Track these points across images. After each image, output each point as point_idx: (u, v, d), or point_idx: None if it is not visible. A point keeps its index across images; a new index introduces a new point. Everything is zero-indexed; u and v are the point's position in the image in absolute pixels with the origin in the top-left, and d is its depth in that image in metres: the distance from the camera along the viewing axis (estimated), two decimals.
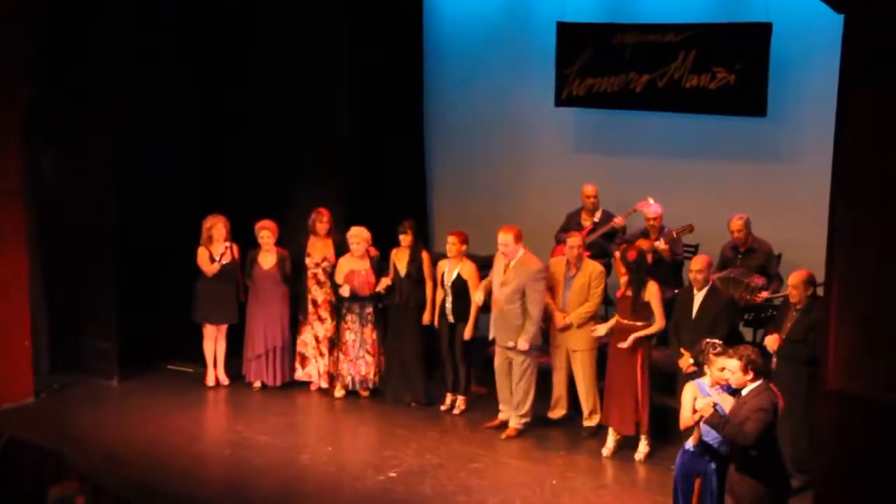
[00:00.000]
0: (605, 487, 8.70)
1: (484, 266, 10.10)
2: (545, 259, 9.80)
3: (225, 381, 10.74)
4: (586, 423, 9.51)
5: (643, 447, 9.06)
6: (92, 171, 10.56)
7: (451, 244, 9.81)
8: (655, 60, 11.12)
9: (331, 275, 10.34)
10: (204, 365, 10.77)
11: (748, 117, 10.89)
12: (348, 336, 10.30)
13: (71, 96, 10.45)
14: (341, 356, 10.37)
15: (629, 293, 9.00)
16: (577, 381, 9.44)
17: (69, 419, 9.85)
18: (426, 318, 10.06)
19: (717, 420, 6.78)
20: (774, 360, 8.44)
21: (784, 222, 10.63)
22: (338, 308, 10.36)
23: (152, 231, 10.86)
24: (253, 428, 9.75)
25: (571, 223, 10.88)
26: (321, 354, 10.52)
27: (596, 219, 10.81)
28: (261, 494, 8.51)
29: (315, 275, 10.43)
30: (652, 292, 8.95)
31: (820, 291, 8.90)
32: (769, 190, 10.99)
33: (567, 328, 9.36)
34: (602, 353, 9.41)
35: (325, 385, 10.52)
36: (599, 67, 11.42)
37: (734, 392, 6.97)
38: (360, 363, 10.33)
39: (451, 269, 9.88)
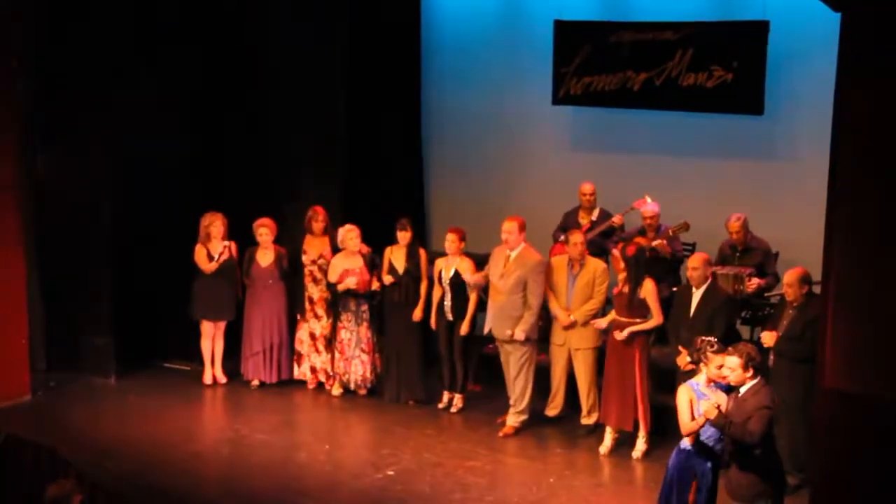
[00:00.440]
0: (603, 485, 8.71)
1: (481, 264, 10.11)
2: (543, 256, 9.81)
3: (222, 379, 10.74)
4: (584, 421, 9.52)
5: (641, 445, 9.07)
6: (89, 169, 10.57)
7: (451, 241, 9.81)
8: (653, 59, 11.13)
9: (327, 273, 10.34)
10: (201, 363, 10.77)
11: (745, 115, 10.91)
12: (344, 335, 10.30)
13: (67, 94, 10.46)
14: (337, 355, 10.37)
15: (626, 290, 9.01)
16: (579, 380, 9.45)
17: (66, 417, 9.85)
18: (418, 315, 10.05)
19: (722, 422, 6.79)
20: (772, 357, 8.45)
21: (781, 220, 10.64)
22: (334, 306, 10.36)
23: (149, 228, 10.86)
24: (250, 426, 9.76)
25: (569, 222, 10.89)
26: (317, 352, 10.52)
27: (593, 217, 10.82)
28: (258, 492, 8.51)
29: (311, 272, 10.43)
30: (648, 289, 8.96)
31: (817, 289, 8.95)
32: (766, 188, 11.01)
33: (572, 326, 9.36)
34: (602, 351, 9.41)
35: (323, 380, 10.52)
36: (597, 66, 11.43)
37: (728, 390, 6.98)
38: (355, 362, 10.33)
39: (449, 267, 9.88)
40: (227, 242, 10.47)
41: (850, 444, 6.75)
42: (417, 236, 10.41)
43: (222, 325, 10.67)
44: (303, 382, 10.61)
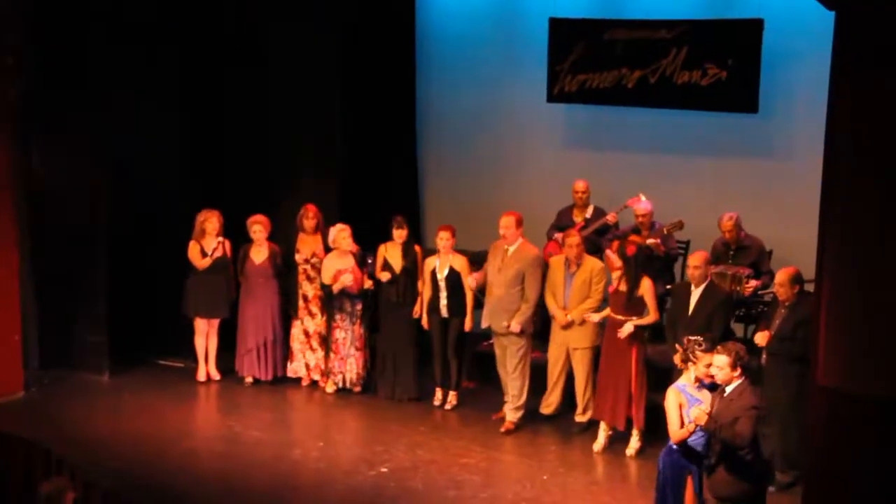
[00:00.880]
0: (597, 483, 8.72)
1: (476, 262, 10.12)
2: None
3: (216, 376, 10.73)
4: (578, 419, 9.53)
5: (634, 443, 9.08)
6: (83, 167, 10.55)
7: (445, 239, 9.81)
8: (647, 56, 11.13)
9: (320, 273, 10.34)
10: (195, 360, 10.76)
11: (739, 114, 10.91)
12: (339, 334, 10.30)
13: (63, 93, 10.42)
14: (332, 354, 10.36)
15: (624, 288, 9.02)
16: (577, 378, 9.46)
17: (60, 414, 9.83)
18: (417, 312, 10.07)
19: (712, 427, 6.81)
20: (764, 356, 8.46)
21: (775, 218, 10.65)
22: (328, 304, 10.35)
23: (143, 226, 10.85)
24: (244, 423, 9.75)
25: (563, 219, 10.89)
26: (311, 349, 10.51)
27: (587, 215, 10.82)
28: (252, 489, 8.51)
29: (305, 270, 10.43)
30: (646, 287, 8.99)
31: (810, 288, 8.96)
32: (760, 186, 11.01)
33: (569, 326, 9.37)
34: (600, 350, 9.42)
35: (317, 378, 10.51)
36: (591, 63, 11.43)
37: (712, 388, 7.03)
38: (350, 360, 10.33)
39: (442, 264, 9.89)
40: (220, 238, 10.46)
41: (844, 441, 6.76)
42: (412, 234, 10.41)
43: (216, 322, 10.66)
44: (297, 380, 10.61)
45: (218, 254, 10.45)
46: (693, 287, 8.79)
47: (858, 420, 6.66)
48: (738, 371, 6.87)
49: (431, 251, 10.25)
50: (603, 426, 9.18)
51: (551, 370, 9.59)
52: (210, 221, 10.42)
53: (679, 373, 8.14)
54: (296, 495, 8.42)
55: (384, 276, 10.09)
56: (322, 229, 10.46)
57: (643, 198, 10.40)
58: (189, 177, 11.21)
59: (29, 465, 8.83)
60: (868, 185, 6.56)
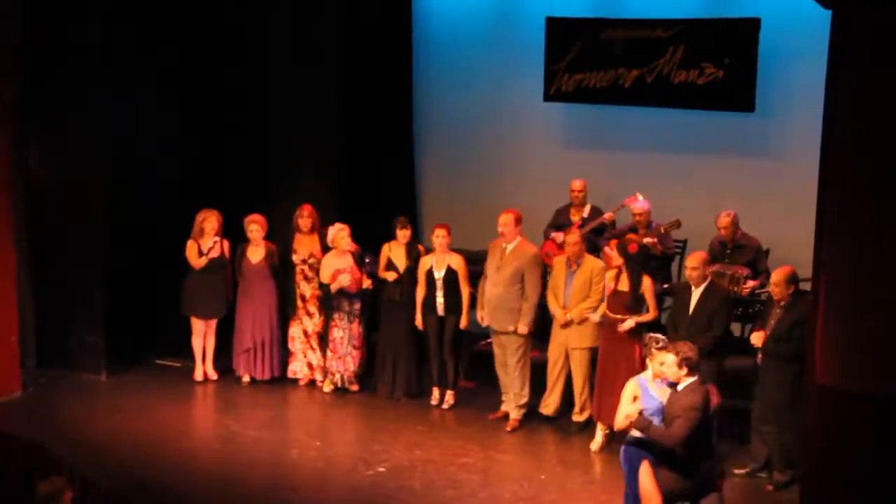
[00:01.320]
0: (594, 482, 8.72)
1: (474, 261, 10.12)
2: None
3: (213, 375, 10.72)
4: (576, 418, 9.54)
5: None
6: (81, 167, 10.54)
7: (442, 237, 9.81)
8: (644, 56, 11.15)
9: (318, 271, 10.33)
10: (192, 360, 10.76)
11: (736, 113, 10.93)
12: (336, 333, 10.30)
13: (61, 92, 10.42)
14: (329, 353, 10.36)
15: (623, 287, 9.04)
16: (574, 378, 9.46)
17: (57, 414, 9.83)
18: (419, 320, 10.06)
19: (642, 424, 7.05)
20: (759, 356, 8.48)
21: (772, 217, 10.67)
22: (326, 303, 10.35)
23: (141, 226, 10.84)
24: (242, 422, 9.75)
25: (560, 218, 10.90)
26: (312, 349, 10.52)
27: (584, 214, 10.83)
28: (250, 489, 8.51)
29: (302, 270, 10.43)
30: (646, 285, 9.03)
31: (806, 286, 8.97)
32: (757, 185, 11.03)
33: (568, 325, 9.38)
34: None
35: (319, 377, 10.51)
36: (588, 63, 11.44)
37: (673, 385, 7.17)
38: (348, 360, 10.33)
39: (439, 263, 9.89)
40: (216, 238, 10.44)
41: (841, 440, 6.77)
42: (415, 234, 10.42)
43: (213, 322, 10.65)
44: (294, 379, 10.61)
45: (214, 253, 10.44)
46: (693, 287, 8.79)
47: (856, 418, 6.67)
48: (686, 370, 7.00)
49: (432, 251, 10.25)
50: (600, 426, 9.18)
51: (551, 370, 9.60)
52: (209, 221, 10.41)
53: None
54: (294, 495, 8.41)
55: (389, 276, 10.09)
56: (318, 229, 10.46)
57: (640, 197, 10.41)
58: (187, 176, 11.20)
59: (27, 465, 8.82)
60: (865, 183, 6.57)
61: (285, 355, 10.64)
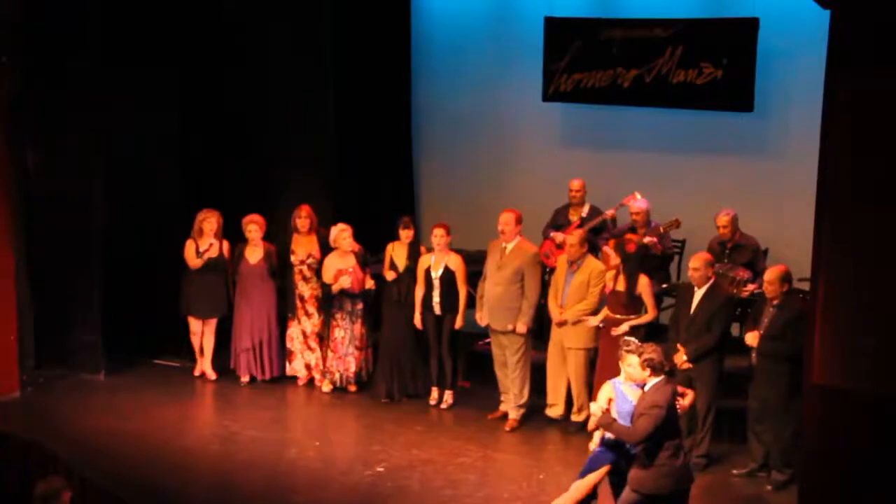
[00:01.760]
0: None
1: (473, 261, 10.13)
2: None
3: (213, 375, 10.72)
4: (574, 418, 9.54)
5: None
6: (79, 167, 10.53)
7: (441, 236, 9.80)
8: (643, 55, 11.15)
9: (317, 271, 10.33)
10: (191, 359, 10.77)
11: (735, 112, 10.93)
12: (337, 333, 10.29)
13: (59, 92, 10.41)
14: (330, 353, 10.36)
15: (621, 287, 9.04)
16: (571, 378, 9.47)
17: (55, 413, 9.82)
18: (418, 321, 10.06)
19: (605, 421, 7.15)
20: (754, 356, 8.48)
21: (771, 217, 10.68)
22: (325, 304, 10.35)
23: (139, 226, 10.85)
24: (240, 422, 9.75)
25: (559, 218, 10.90)
26: (310, 349, 10.51)
27: (583, 213, 10.83)
28: (248, 489, 8.51)
29: (301, 271, 10.42)
30: (643, 284, 9.04)
31: (801, 285, 8.99)
32: (756, 185, 11.03)
33: (563, 324, 9.38)
34: (597, 352, 9.42)
35: (317, 377, 10.51)
36: (587, 62, 11.45)
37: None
38: (348, 359, 10.33)
39: (437, 262, 9.89)
40: (213, 241, 10.43)
41: (839, 439, 6.78)
42: (418, 235, 10.42)
43: (212, 322, 10.65)
44: (293, 379, 10.61)
45: (212, 254, 10.43)
46: (696, 288, 8.79)
47: (854, 418, 6.68)
48: (649, 371, 7.04)
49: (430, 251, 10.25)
50: None
51: (551, 371, 9.60)
52: (209, 221, 10.41)
53: (679, 373, 8.29)
54: (292, 494, 8.41)
55: (390, 275, 10.09)
56: (317, 230, 10.46)
57: (639, 196, 10.41)
58: (185, 177, 11.20)
59: (25, 465, 8.83)
60: (864, 183, 6.58)
61: (284, 355, 10.64)
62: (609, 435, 7.37)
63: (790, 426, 8.32)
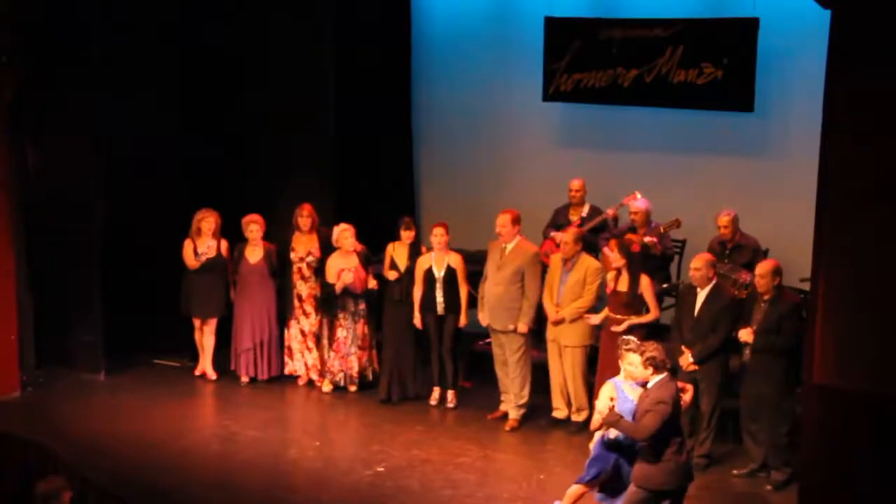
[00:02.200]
0: None
1: (473, 261, 10.12)
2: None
3: (213, 375, 10.72)
4: (574, 418, 9.54)
5: None
6: (78, 167, 10.54)
7: (441, 235, 9.80)
8: (643, 55, 11.14)
9: (316, 270, 10.33)
10: (192, 359, 10.79)
11: (735, 112, 10.93)
12: (340, 333, 10.29)
13: (59, 92, 10.41)
14: (332, 353, 10.36)
15: (623, 287, 9.04)
16: (567, 377, 9.47)
17: (56, 413, 9.83)
18: (418, 320, 10.07)
19: (612, 419, 7.10)
20: (748, 352, 8.47)
21: (771, 217, 10.67)
22: (325, 304, 10.34)
23: (139, 226, 10.85)
24: (240, 422, 9.75)
25: (559, 218, 10.90)
26: (308, 349, 10.51)
27: (583, 213, 10.82)
28: (248, 489, 8.51)
29: (300, 269, 10.42)
30: (645, 284, 9.05)
31: (802, 286, 8.99)
32: (756, 185, 11.03)
33: (560, 322, 9.38)
34: (594, 350, 9.42)
35: (314, 377, 10.51)
36: (587, 62, 11.44)
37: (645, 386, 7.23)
38: (351, 359, 10.32)
39: (439, 262, 9.88)
40: (211, 242, 10.43)
41: (839, 439, 6.78)
42: (419, 235, 10.42)
43: (211, 322, 10.65)
44: (293, 379, 10.61)
45: (210, 255, 10.43)
46: (699, 289, 8.78)
47: (854, 418, 6.68)
48: (651, 370, 7.05)
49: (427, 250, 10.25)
50: None
51: (552, 372, 9.59)
52: (206, 221, 10.41)
53: (683, 374, 8.30)
54: (291, 495, 8.42)
55: (391, 275, 10.09)
56: (318, 228, 10.46)
57: (639, 196, 10.41)
58: (185, 177, 11.19)
59: (25, 465, 8.82)
60: (864, 183, 6.58)
61: (283, 355, 10.64)
62: (610, 435, 7.37)
63: (785, 424, 8.34)
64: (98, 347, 10.64)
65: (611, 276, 9.21)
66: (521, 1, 12.06)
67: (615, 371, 8.97)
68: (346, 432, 9.88)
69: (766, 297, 8.42)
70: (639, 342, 7.28)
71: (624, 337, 7.54)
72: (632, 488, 7.14)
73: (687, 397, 7.53)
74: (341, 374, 10.36)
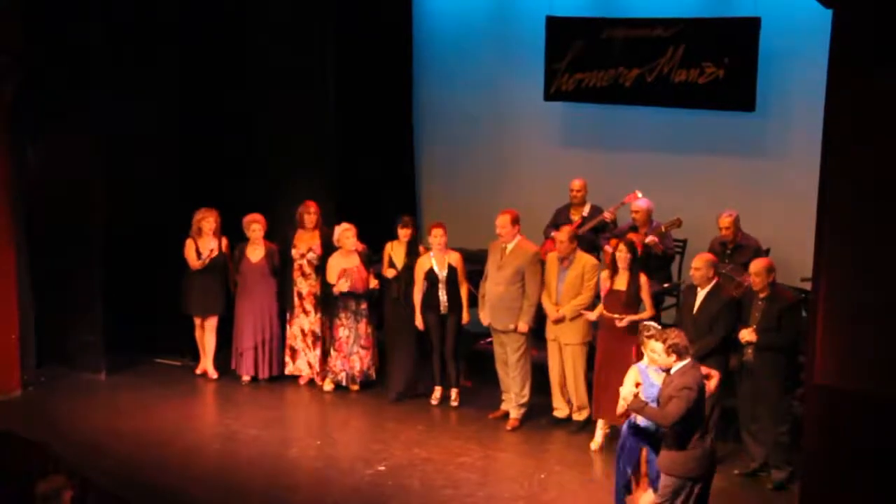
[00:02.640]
0: (594, 481, 8.72)
1: (473, 261, 10.12)
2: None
3: (214, 374, 10.73)
4: (575, 417, 9.54)
5: None
6: (79, 166, 10.53)
7: (440, 236, 9.81)
8: (644, 55, 11.14)
9: (317, 268, 10.34)
10: (193, 359, 10.79)
11: (737, 112, 10.92)
12: (342, 332, 10.29)
13: (59, 92, 10.41)
14: (333, 352, 10.36)
15: (622, 287, 9.04)
16: (568, 375, 9.48)
17: (57, 413, 9.84)
18: (419, 321, 10.07)
19: (637, 405, 7.10)
20: (749, 351, 8.46)
21: (772, 217, 10.67)
22: (325, 303, 10.35)
23: (140, 225, 10.85)
24: (242, 421, 9.76)
25: (560, 218, 10.90)
26: (308, 347, 10.52)
27: (584, 213, 10.82)
28: (249, 488, 8.52)
29: (300, 266, 10.42)
30: (642, 283, 9.05)
31: (803, 286, 8.99)
32: (757, 185, 11.03)
33: (560, 321, 9.39)
34: (592, 347, 9.42)
35: (315, 378, 10.51)
36: (588, 62, 11.44)
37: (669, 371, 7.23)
38: (353, 359, 10.32)
39: (440, 262, 9.88)
40: (213, 243, 10.43)
41: (839, 439, 6.78)
42: (417, 234, 10.42)
43: (212, 320, 10.66)
44: (294, 378, 10.61)
45: (213, 255, 10.44)
46: (699, 289, 8.79)
47: (854, 418, 6.68)
48: (675, 357, 7.04)
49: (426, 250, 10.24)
50: (601, 424, 9.19)
51: (551, 368, 9.59)
52: (207, 220, 10.41)
53: None
54: (292, 494, 8.42)
55: (390, 273, 10.10)
56: (321, 227, 10.46)
57: (640, 195, 10.41)
58: (187, 176, 11.20)
59: (26, 464, 8.81)
60: (865, 183, 6.58)
61: (284, 354, 10.64)
62: (637, 420, 7.33)
63: (786, 422, 8.34)
64: (99, 347, 10.64)
65: (605, 274, 9.21)
66: (523, 0, 12.06)
67: (614, 368, 9.02)
68: (347, 431, 9.88)
69: (762, 296, 8.43)
70: (660, 329, 7.29)
71: (644, 323, 7.54)
72: (664, 479, 7.10)
73: (712, 384, 7.52)
74: (343, 374, 10.36)
